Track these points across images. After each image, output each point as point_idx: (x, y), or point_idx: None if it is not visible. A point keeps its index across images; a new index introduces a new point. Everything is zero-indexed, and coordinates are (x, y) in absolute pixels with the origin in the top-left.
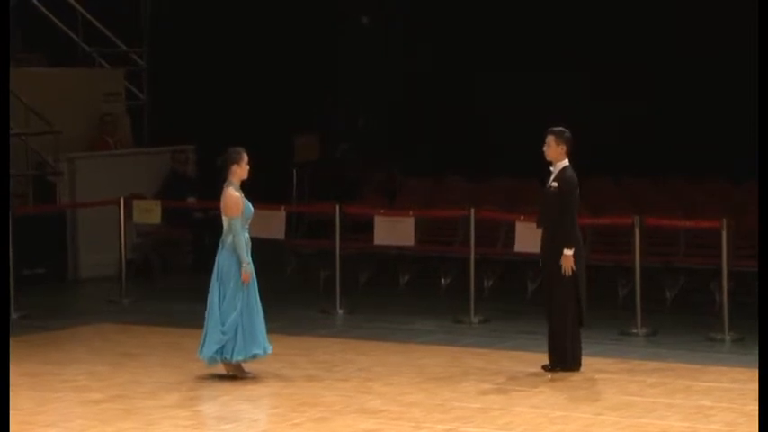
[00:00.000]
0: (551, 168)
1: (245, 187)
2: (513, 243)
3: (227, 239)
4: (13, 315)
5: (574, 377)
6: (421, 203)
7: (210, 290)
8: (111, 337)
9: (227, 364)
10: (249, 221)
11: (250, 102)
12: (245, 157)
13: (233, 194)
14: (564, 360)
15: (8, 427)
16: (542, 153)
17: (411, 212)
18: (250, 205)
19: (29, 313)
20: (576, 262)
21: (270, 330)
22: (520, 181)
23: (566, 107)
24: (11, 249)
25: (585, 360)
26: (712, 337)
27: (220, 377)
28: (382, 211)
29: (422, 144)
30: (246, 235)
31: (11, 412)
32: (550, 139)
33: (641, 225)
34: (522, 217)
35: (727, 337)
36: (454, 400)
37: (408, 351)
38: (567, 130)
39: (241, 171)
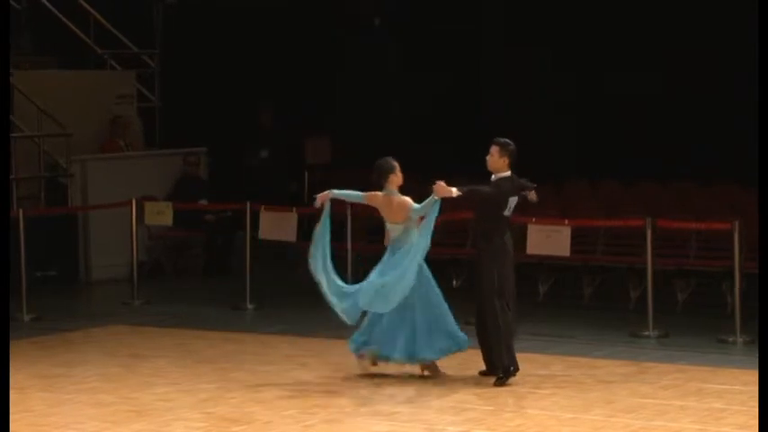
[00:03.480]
0: (492, 177)
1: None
2: (525, 245)
3: (404, 244)
4: (25, 317)
5: (585, 380)
6: None
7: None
8: (122, 339)
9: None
10: None
11: (260, 104)
12: (398, 165)
13: (405, 198)
14: (504, 363)
15: (8, 428)
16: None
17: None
18: None
19: (40, 315)
20: (500, 267)
21: (282, 332)
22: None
23: (573, 109)
24: (23, 251)
25: (598, 362)
26: (724, 340)
27: (231, 379)
28: None
29: (430, 145)
30: None
31: (22, 414)
32: (494, 149)
33: (653, 227)
34: (533, 219)
35: (740, 340)
36: (466, 402)
37: None
38: (512, 143)
39: (397, 179)
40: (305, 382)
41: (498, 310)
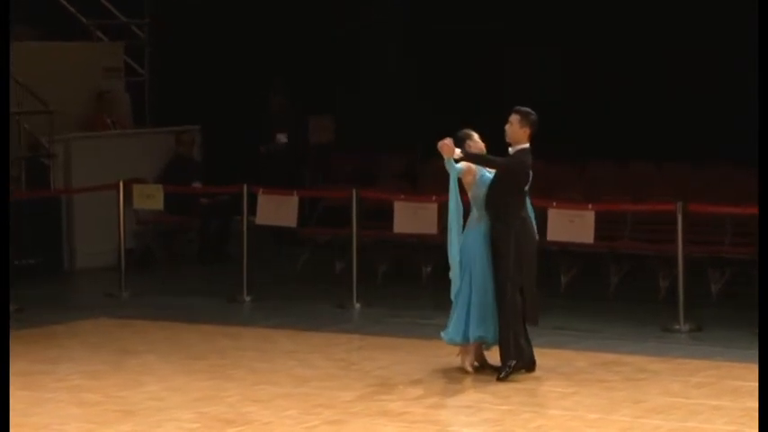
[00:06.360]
0: (509, 149)
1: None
2: (545, 232)
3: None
4: None
5: (611, 377)
6: (444, 188)
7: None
8: (109, 333)
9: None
10: None
11: (260, 79)
12: (473, 133)
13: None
14: (508, 356)
15: (8, 427)
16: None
17: (434, 198)
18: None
19: (21, 307)
20: (521, 249)
21: (281, 326)
22: (552, 164)
23: (601, 88)
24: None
25: (625, 358)
26: None
27: (227, 376)
28: (402, 196)
29: (445, 124)
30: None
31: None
32: (515, 118)
33: (684, 212)
34: (554, 203)
35: None
36: (482, 402)
37: (432, 348)
38: (533, 113)
39: (475, 144)
40: (306, 380)
41: (508, 297)
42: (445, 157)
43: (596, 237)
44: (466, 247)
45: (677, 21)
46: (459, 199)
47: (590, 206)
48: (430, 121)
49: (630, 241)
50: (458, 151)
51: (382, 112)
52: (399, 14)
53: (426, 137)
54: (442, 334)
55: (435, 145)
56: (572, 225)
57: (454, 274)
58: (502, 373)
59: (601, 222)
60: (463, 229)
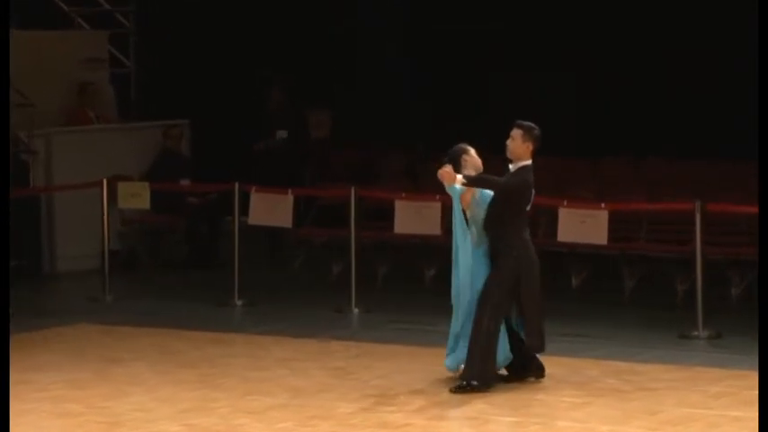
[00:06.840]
0: (510, 166)
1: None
2: (556, 232)
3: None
4: None
5: (625, 387)
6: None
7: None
8: (93, 340)
9: None
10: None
11: (252, 72)
12: (470, 148)
13: None
14: (472, 376)
15: (8, 427)
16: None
17: (437, 197)
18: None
19: None
20: (522, 272)
21: (274, 332)
22: (563, 161)
23: (602, 87)
24: None
25: (639, 367)
26: None
27: (217, 386)
28: (404, 195)
29: (449, 120)
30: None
31: None
32: (517, 133)
33: (703, 211)
34: (565, 202)
35: None
36: (487, 413)
37: (434, 356)
38: (537, 127)
39: (472, 159)
40: (301, 390)
41: (484, 326)
42: (446, 184)
43: (609, 238)
44: (474, 274)
45: (678, 20)
46: (466, 227)
47: (603, 205)
48: (430, 121)
49: (646, 242)
50: (459, 177)
51: (382, 111)
52: (399, 14)
53: (427, 136)
54: (446, 362)
55: (436, 144)
56: (584, 225)
57: (461, 311)
58: (460, 387)
59: (614, 222)
60: None
